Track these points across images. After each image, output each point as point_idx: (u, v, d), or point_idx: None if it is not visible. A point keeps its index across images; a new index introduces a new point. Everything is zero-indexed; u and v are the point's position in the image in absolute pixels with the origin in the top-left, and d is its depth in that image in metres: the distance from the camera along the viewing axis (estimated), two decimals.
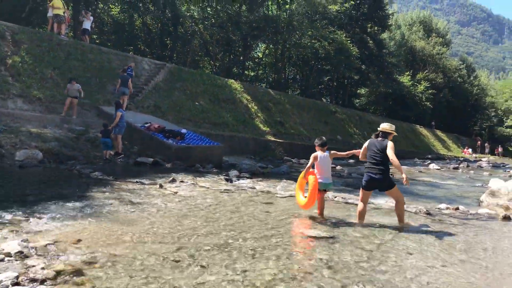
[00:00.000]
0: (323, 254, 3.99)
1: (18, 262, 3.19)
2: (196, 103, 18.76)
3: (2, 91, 12.08)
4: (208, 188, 7.90)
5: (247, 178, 10.18)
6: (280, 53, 32.23)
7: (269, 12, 30.45)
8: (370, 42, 36.75)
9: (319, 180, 5.70)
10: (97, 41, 24.93)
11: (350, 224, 5.49)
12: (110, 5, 27.25)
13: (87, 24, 17.83)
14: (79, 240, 3.85)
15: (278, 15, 29.70)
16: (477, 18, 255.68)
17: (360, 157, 5.78)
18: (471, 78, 56.20)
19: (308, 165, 5.77)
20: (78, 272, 3.07)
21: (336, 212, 6.38)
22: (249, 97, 22.60)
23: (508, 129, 48.70)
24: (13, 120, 11.23)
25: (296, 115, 25.32)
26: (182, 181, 8.33)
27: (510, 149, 49.19)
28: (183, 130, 13.22)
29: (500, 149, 45.58)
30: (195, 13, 29.95)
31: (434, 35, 50.82)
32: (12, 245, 3.45)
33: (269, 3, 30.35)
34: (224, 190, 7.82)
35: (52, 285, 2.85)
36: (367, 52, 35.96)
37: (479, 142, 48.22)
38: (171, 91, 18.27)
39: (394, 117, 39.29)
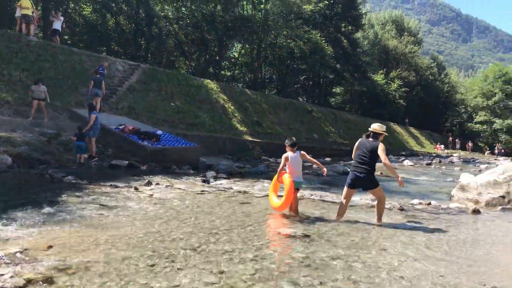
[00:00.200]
0: (300, 253, 4.02)
1: None
2: (172, 104, 18.56)
3: None
4: (184, 190, 7.83)
5: (225, 178, 10.15)
6: (256, 53, 32.29)
7: (244, 12, 30.45)
8: (344, 41, 37.30)
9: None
10: (68, 42, 24.29)
11: (327, 222, 5.56)
12: (82, 5, 26.61)
13: (57, 25, 17.41)
14: (50, 247, 3.74)
15: (253, 15, 29.76)
16: (446, 17, 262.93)
17: (353, 156, 5.88)
18: (442, 76, 57.86)
19: (281, 166, 5.87)
20: (49, 280, 2.99)
21: (313, 210, 6.46)
22: (225, 97, 22.54)
23: (477, 125, 50.31)
24: None
25: (273, 114, 25.42)
26: (158, 184, 8.23)
27: (480, 144, 50.86)
28: (159, 132, 13.06)
29: (470, 144, 47.08)
30: (169, 13, 29.67)
31: (406, 34, 52.04)
32: None
33: (244, 3, 30.38)
34: (201, 191, 7.77)
35: None
36: (341, 51, 36.51)
37: (450, 138, 49.65)
38: (146, 92, 18.01)
39: (369, 115, 39.97)
